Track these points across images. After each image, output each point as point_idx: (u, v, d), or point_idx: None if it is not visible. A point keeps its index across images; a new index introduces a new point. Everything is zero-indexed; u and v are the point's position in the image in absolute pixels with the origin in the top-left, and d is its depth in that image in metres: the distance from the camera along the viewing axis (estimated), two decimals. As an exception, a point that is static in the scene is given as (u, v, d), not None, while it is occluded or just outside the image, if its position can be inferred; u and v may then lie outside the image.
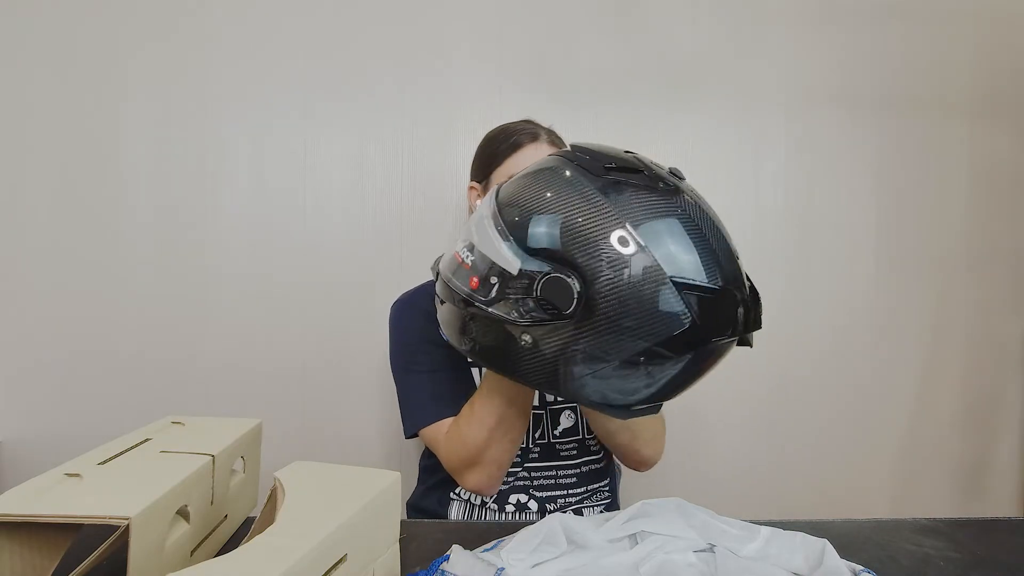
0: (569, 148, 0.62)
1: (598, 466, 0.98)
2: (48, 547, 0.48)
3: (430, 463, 0.99)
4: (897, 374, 1.44)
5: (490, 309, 0.56)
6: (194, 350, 1.31)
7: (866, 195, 1.42)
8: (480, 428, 0.77)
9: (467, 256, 0.60)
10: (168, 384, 1.31)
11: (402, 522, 0.53)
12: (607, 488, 1.00)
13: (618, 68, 1.36)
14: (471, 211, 1.02)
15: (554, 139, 0.97)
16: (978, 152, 1.44)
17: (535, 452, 0.93)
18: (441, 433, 0.85)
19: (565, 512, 0.63)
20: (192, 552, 0.52)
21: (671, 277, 0.52)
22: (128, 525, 0.42)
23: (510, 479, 0.92)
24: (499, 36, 1.35)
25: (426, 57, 1.34)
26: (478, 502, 0.93)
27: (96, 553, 0.43)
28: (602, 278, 0.52)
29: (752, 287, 0.59)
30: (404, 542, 0.53)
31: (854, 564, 0.49)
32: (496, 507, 0.92)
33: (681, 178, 0.59)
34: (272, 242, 1.32)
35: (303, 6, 1.32)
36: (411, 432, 0.90)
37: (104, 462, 0.52)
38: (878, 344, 1.43)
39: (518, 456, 0.92)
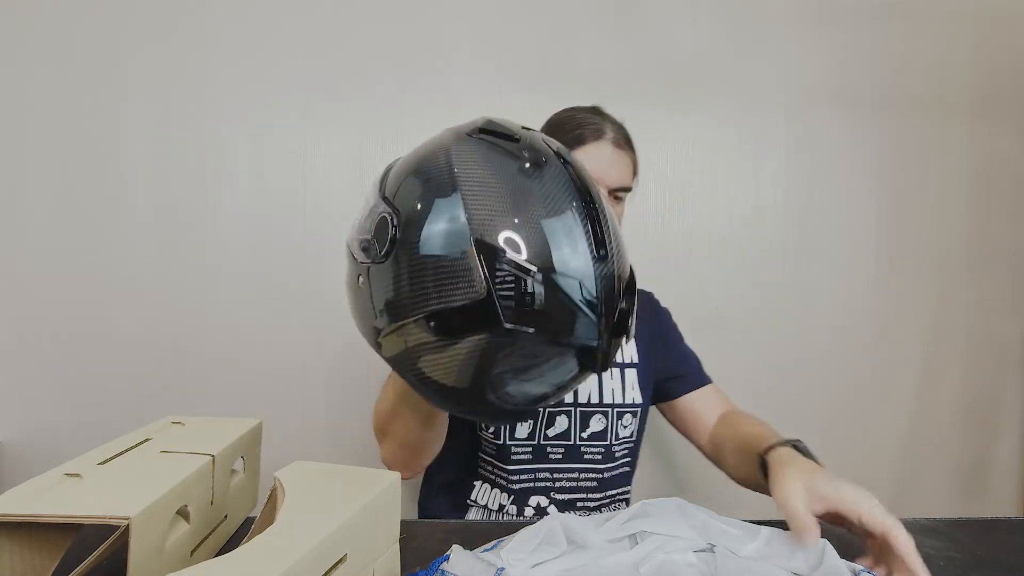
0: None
1: (623, 471, 0.95)
2: (48, 547, 0.48)
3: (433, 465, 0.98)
4: (897, 374, 1.44)
5: (349, 247, 0.58)
6: (194, 350, 1.31)
7: (866, 195, 1.42)
8: (386, 400, 0.76)
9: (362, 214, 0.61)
10: (168, 384, 1.31)
11: (402, 522, 0.53)
12: (629, 495, 0.97)
13: (618, 68, 1.36)
14: None
15: (619, 139, 0.91)
16: (978, 152, 1.44)
17: (558, 453, 0.90)
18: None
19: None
20: (192, 552, 0.52)
21: (476, 238, 0.48)
22: (128, 525, 0.42)
23: (529, 479, 0.89)
24: (499, 36, 1.35)
25: (426, 57, 1.34)
26: (495, 507, 0.90)
27: (96, 553, 0.43)
28: (412, 222, 0.51)
29: (621, 313, 0.52)
30: (404, 542, 0.53)
31: (854, 564, 0.49)
32: (515, 510, 0.89)
33: (568, 160, 0.55)
34: (272, 242, 1.32)
35: (303, 6, 1.32)
36: None
37: (104, 462, 0.52)
38: (878, 344, 1.43)
39: (535, 456, 0.89)
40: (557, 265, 0.48)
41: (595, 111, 0.94)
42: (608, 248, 0.51)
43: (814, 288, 1.41)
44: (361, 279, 0.55)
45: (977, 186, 1.44)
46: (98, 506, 0.44)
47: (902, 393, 1.44)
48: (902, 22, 1.41)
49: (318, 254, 1.33)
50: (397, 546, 0.52)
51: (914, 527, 0.55)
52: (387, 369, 0.97)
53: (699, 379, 1.01)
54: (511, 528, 0.59)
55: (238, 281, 1.32)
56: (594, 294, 0.50)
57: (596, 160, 0.87)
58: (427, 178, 0.53)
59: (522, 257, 0.48)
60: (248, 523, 0.63)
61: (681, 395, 0.99)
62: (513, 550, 0.49)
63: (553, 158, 0.54)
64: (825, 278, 1.42)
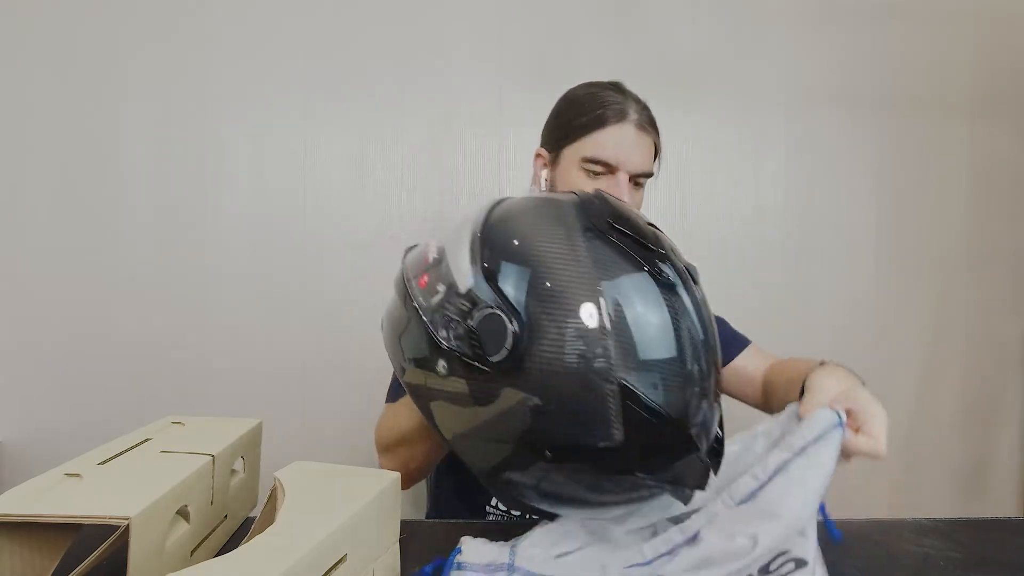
0: (593, 192, 0.54)
1: None
2: (48, 547, 0.48)
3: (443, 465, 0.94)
4: (897, 374, 1.44)
5: (424, 316, 0.49)
6: (194, 350, 1.31)
7: (866, 195, 1.42)
8: (388, 430, 0.75)
9: (432, 256, 0.53)
10: (168, 384, 1.31)
11: (402, 522, 0.53)
12: None
13: (618, 68, 1.35)
14: (535, 179, 0.93)
15: (642, 121, 0.86)
16: (978, 152, 1.43)
17: None
18: (382, 413, 0.82)
19: None
20: (192, 552, 0.52)
21: (621, 380, 0.44)
22: (128, 525, 0.42)
23: None
24: (499, 36, 1.35)
25: (426, 57, 1.34)
26: (519, 514, 0.85)
27: (96, 553, 0.43)
28: (546, 340, 0.44)
29: (719, 439, 0.51)
30: (404, 542, 0.53)
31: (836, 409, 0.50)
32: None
33: (694, 278, 0.51)
34: (272, 242, 1.32)
35: (303, 6, 1.32)
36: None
37: (104, 462, 0.52)
38: (878, 344, 1.43)
39: None
40: (691, 415, 0.46)
41: (617, 88, 0.89)
42: (703, 380, 0.48)
43: (814, 288, 1.41)
44: (444, 365, 0.48)
45: (977, 186, 1.44)
46: (98, 506, 0.44)
47: (902, 393, 1.44)
48: (902, 22, 1.41)
49: (318, 254, 1.33)
50: (397, 546, 0.52)
51: (914, 527, 0.56)
52: (387, 370, 0.96)
53: (737, 344, 0.95)
54: (511, 528, 0.59)
55: (238, 281, 1.32)
56: (712, 442, 0.49)
57: (618, 144, 0.84)
58: (562, 288, 0.45)
59: (661, 404, 0.44)
60: (248, 523, 0.63)
61: (724, 366, 0.90)
62: (533, 544, 0.49)
63: (688, 279, 0.49)
64: (825, 278, 1.42)
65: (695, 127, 1.38)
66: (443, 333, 0.48)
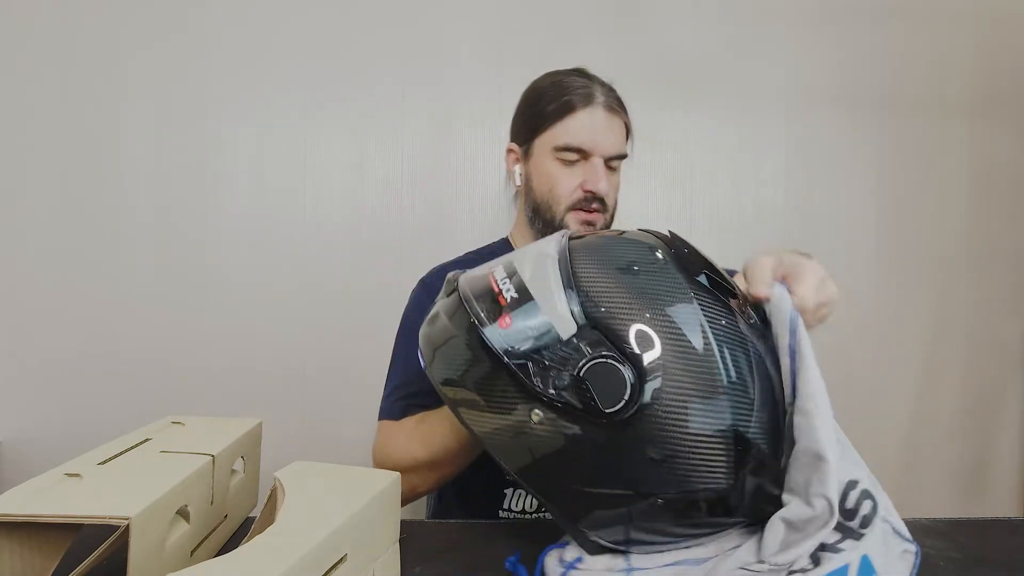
0: (668, 234, 0.53)
1: None
2: (48, 547, 0.48)
3: None
4: (897, 374, 1.44)
5: (512, 361, 0.46)
6: (194, 350, 1.31)
7: (866, 195, 1.42)
8: (407, 453, 0.73)
9: (506, 286, 0.49)
10: (168, 384, 1.31)
11: (402, 522, 0.53)
12: None
13: (618, 68, 1.34)
14: (509, 176, 0.93)
15: (610, 102, 0.85)
16: (978, 152, 1.43)
17: None
18: (382, 431, 0.80)
19: None
20: (192, 552, 0.52)
21: (739, 430, 0.44)
22: (128, 525, 0.42)
23: None
24: (499, 36, 1.35)
25: (426, 57, 1.34)
26: (532, 509, 0.84)
27: (96, 553, 0.43)
28: (667, 396, 0.43)
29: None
30: (404, 542, 0.53)
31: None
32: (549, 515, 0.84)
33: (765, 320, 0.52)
34: (272, 242, 1.32)
35: (303, 7, 1.32)
36: (378, 418, 0.84)
37: (104, 462, 0.52)
38: (878, 344, 1.43)
39: None
40: (779, 451, 0.48)
41: (581, 73, 0.88)
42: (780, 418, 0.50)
43: (814, 288, 1.41)
44: (537, 414, 0.45)
45: (977, 186, 1.44)
46: (98, 506, 0.44)
47: (902, 393, 1.44)
48: (902, 22, 1.41)
49: (318, 254, 1.33)
50: (397, 546, 0.52)
51: (914, 527, 0.56)
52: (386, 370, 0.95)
53: None
54: (513, 528, 0.60)
55: (238, 281, 1.32)
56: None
57: (589, 128, 0.84)
58: (679, 338, 0.45)
59: (767, 449, 0.46)
60: (248, 523, 0.63)
61: None
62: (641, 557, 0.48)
63: (760, 327, 0.51)
64: (825, 278, 1.41)
65: (695, 127, 1.38)
66: (538, 381, 0.45)
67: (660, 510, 0.46)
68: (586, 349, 0.44)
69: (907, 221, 1.43)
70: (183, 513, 0.50)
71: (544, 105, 0.86)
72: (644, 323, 0.45)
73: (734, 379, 0.45)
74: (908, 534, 0.52)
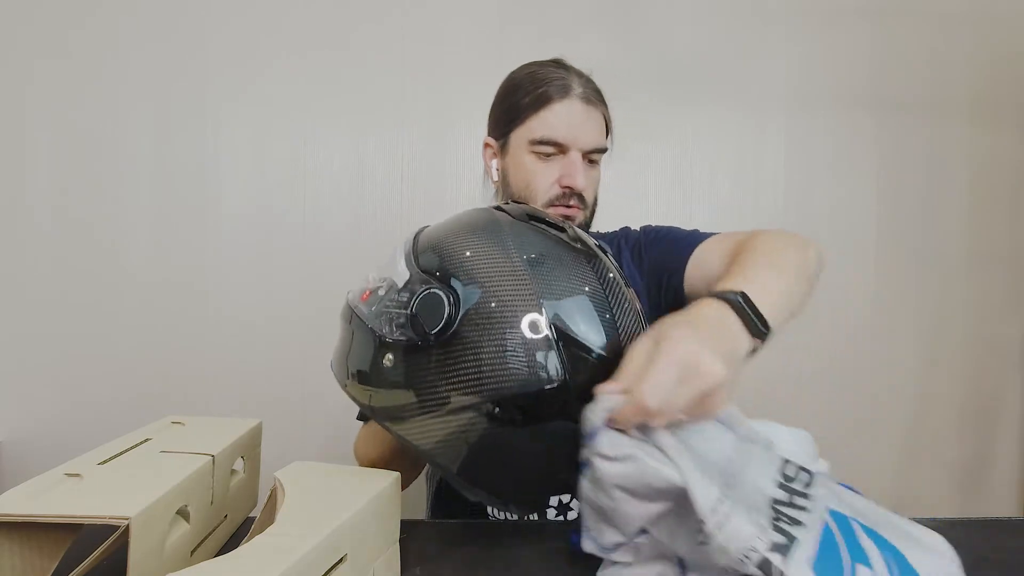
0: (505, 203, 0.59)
1: None
2: (48, 547, 0.48)
3: None
4: (897, 374, 1.44)
5: (368, 323, 0.52)
6: (194, 350, 1.31)
7: (866, 195, 1.42)
8: (364, 455, 0.74)
9: (372, 276, 0.58)
10: (168, 384, 1.31)
11: (402, 522, 0.53)
12: None
13: (618, 68, 1.36)
14: (487, 171, 0.91)
15: (587, 94, 0.82)
16: (978, 152, 1.44)
17: None
18: (359, 437, 0.80)
19: None
20: (192, 552, 0.52)
21: (555, 325, 0.48)
22: (128, 525, 0.42)
23: None
24: (499, 36, 1.35)
25: (426, 56, 1.34)
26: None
27: (96, 553, 0.43)
28: (479, 304, 0.48)
29: None
30: (404, 542, 0.53)
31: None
32: (536, 515, 0.80)
33: (605, 251, 0.55)
34: (272, 242, 1.32)
35: (303, 7, 1.32)
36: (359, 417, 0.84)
37: (104, 462, 0.52)
38: (878, 344, 1.43)
39: None
40: (614, 351, 0.49)
41: (558, 64, 0.85)
42: (632, 328, 0.52)
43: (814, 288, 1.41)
44: (390, 357, 0.51)
45: (977, 186, 1.44)
46: (98, 506, 0.44)
47: (902, 393, 1.44)
48: (902, 22, 1.41)
49: (318, 254, 1.33)
50: (397, 546, 0.52)
51: (914, 527, 0.55)
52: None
53: (689, 246, 0.79)
54: (513, 527, 0.60)
55: (238, 281, 1.32)
56: None
57: (566, 121, 0.80)
58: (490, 257, 0.51)
59: (594, 345, 0.48)
60: (248, 523, 0.63)
61: (683, 281, 0.79)
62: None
63: (598, 251, 0.54)
64: (825, 278, 1.41)
65: (695, 127, 1.38)
66: (387, 329, 0.51)
67: (513, 430, 0.48)
68: (414, 288, 0.50)
69: (907, 221, 1.43)
70: (183, 513, 0.50)
71: (520, 97, 0.82)
72: (457, 252, 0.52)
73: (544, 277, 0.49)
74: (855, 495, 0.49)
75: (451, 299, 0.48)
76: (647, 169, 1.37)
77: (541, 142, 0.81)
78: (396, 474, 0.53)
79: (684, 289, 0.79)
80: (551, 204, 0.83)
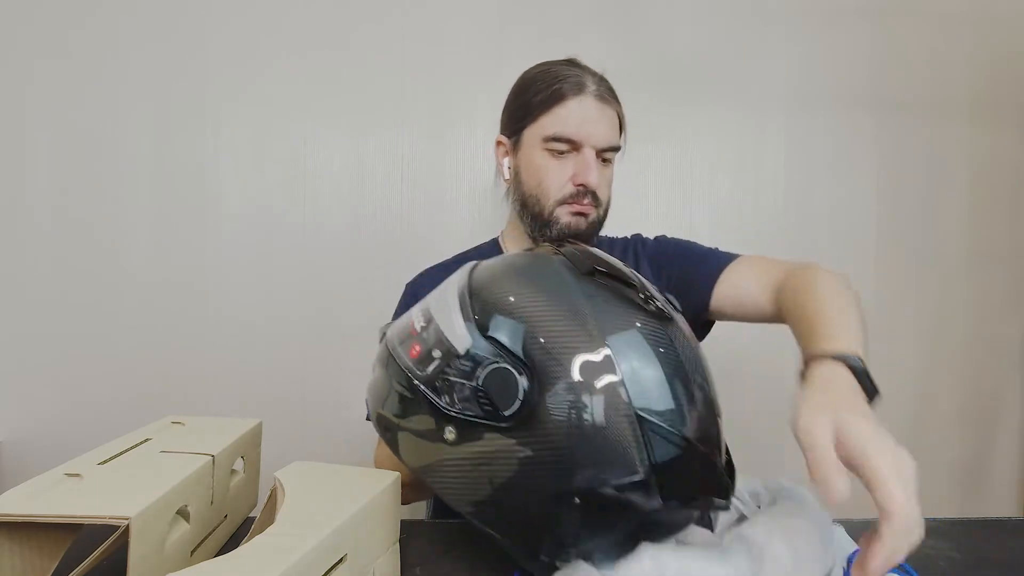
0: (569, 244, 0.54)
1: None
2: (48, 547, 0.48)
3: None
4: (897, 374, 1.44)
5: (422, 386, 0.47)
6: (194, 350, 1.31)
7: (866, 195, 1.42)
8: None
9: (420, 324, 0.51)
10: (168, 384, 1.31)
11: (402, 522, 0.53)
12: None
13: (618, 68, 1.35)
14: (498, 170, 0.90)
15: (602, 92, 0.82)
16: (978, 152, 1.43)
17: None
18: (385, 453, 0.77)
19: None
20: (192, 552, 0.52)
21: (639, 412, 0.44)
22: (128, 525, 0.42)
23: None
24: (499, 36, 1.35)
25: (426, 56, 1.34)
26: None
27: (96, 553, 0.43)
28: (559, 386, 0.44)
29: (729, 459, 0.51)
30: (404, 542, 0.53)
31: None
32: None
33: (677, 309, 0.52)
34: (272, 242, 1.32)
35: (303, 7, 1.32)
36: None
37: (104, 462, 0.52)
38: (878, 344, 1.43)
39: None
40: (705, 435, 0.46)
41: (572, 63, 0.85)
42: (708, 401, 0.49)
43: (814, 288, 1.41)
44: (451, 431, 0.46)
45: (977, 186, 1.44)
46: (98, 506, 0.44)
47: (902, 393, 1.44)
48: (902, 22, 1.41)
49: (318, 254, 1.33)
50: (397, 546, 0.52)
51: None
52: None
53: (718, 264, 0.82)
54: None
55: (238, 281, 1.32)
56: (722, 456, 0.49)
57: (580, 118, 0.80)
58: (564, 332, 0.45)
59: (678, 428, 0.44)
60: (248, 523, 0.63)
61: (710, 299, 0.81)
62: None
63: (673, 310, 0.51)
64: (825, 278, 1.41)
65: (695, 127, 1.38)
66: (446, 399, 0.46)
67: (591, 516, 0.45)
68: (482, 358, 0.45)
69: (907, 221, 1.43)
70: (183, 513, 0.50)
71: (533, 95, 0.82)
72: (531, 324, 0.46)
73: (631, 366, 0.44)
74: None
75: (524, 375, 0.44)
76: (647, 169, 1.37)
77: (554, 139, 0.81)
78: (396, 474, 0.53)
79: (710, 307, 0.81)
80: (564, 202, 0.82)
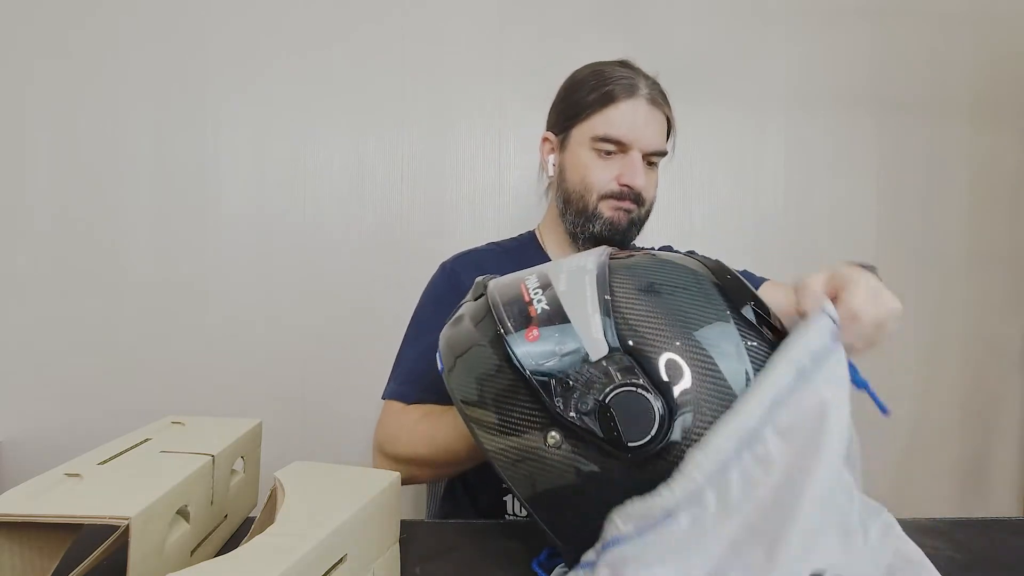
0: (715, 262, 0.51)
1: None
2: (48, 547, 0.48)
3: None
4: (897, 374, 1.44)
5: (534, 377, 0.43)
6: (194, 350, 1.31)
7: (866, 195, 1.42)
8: (409, 446, 0.71)
9: (538, 297, 0.46)
10: (168, 384, 1.31)
11: (402, 522, 0.53)
12: None
13: (618, 68, 1.36)
14: (542, 165, 0.90)
15: (654, 95, 0.82)
16: (978, 152, 1.44)
17: None
18: (389, 413, 0.77)
19: None
20: (192, 552, 0.52)
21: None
22: (128, 525, 0.42)
23: None
24: (499, 36, 1.35)
25: (426, 56, 1.34)
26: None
27: (96, 553, 0.43)
28: (701, 433, 0.40)
29: None
30: (404, 542, 0.53)
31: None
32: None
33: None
34: (272, 243, 1.32)
35: (303, 7, 1.32)
36: (384, 396, 0.81)
37: (104, 462, 0.52)
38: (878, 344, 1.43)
39: None
40: None
41: (625, 64, 0.85)
42: None
43: (814, 288, 1.41)
44: (555, 436, 0.43)
45: (976, 186, 1.44)
46: (98, 506, 0.44)
47: (902, 393, 1.44)
48: (902, 22, 1.41)
49: (318, 254, 1.33)
50: (397, 546, 0.52)
51: (914, 527, 0.55)
52: (385, 370, 0.96)
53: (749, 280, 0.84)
54: (515, 528, 0.60)
55: (238, 281, 1.32)
56: None
57: (630, 120, 0.80)
58: (717, 380, 0.42)
59: None
60: (248, 523, 0.63)
61: None
62: None
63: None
64: (825, 278, 1.41)
65: (695, 127, 1.38)
66: (559, 401, 0.42)
67: None
68: (615, 374, 0.41)
69: (907, 221, 1.43)
70: (183, 513, 0.50)
71: (584, 94, 0.82)
72: (679, 353, 0.42)
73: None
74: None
75: (663, 414, 0.40)
76: (647, 169, 1.37)
77: (603, 139, 0.82)
78: (396, 474, 0.53)
79: None
80: (607, 197, 0.83)
